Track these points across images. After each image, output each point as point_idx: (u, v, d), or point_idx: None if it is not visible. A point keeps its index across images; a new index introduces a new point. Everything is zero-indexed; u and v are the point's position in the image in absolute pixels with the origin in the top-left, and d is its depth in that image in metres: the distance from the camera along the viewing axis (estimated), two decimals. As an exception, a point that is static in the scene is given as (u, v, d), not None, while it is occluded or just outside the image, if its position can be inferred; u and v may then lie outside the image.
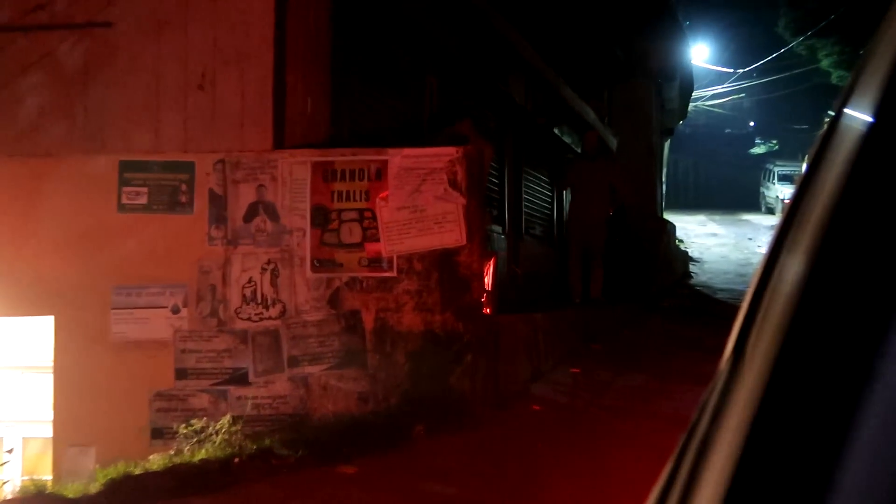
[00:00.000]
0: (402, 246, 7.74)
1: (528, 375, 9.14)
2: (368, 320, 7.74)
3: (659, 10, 19.56)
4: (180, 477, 6.45)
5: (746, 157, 44.72)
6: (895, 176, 0.85)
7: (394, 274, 7.76)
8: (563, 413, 8.54)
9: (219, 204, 7.83)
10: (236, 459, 6.68)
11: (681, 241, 24.40)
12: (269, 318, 7.75)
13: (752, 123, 46.91)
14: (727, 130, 46.37)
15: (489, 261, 8.27)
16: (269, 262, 7.79)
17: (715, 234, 29.33)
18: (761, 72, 35.17)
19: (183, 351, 7.72)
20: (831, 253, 0.86)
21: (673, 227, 21.87)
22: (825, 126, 1.13)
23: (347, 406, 7.67)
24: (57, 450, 7.68)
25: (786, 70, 34.61)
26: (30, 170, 7.93)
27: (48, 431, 7.84)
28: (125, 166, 7.86)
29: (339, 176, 7.79)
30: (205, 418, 7.28)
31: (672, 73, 21.44)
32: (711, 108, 40.43)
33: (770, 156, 42.67)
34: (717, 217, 34.47)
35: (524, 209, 14.26)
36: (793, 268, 0.93)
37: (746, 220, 33.64)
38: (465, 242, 7.73)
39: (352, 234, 7.78)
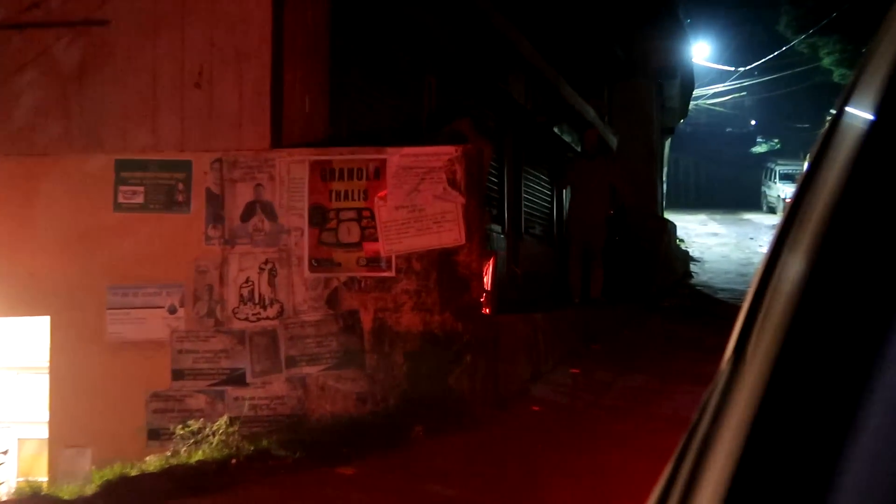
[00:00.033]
0: (400, 245, 7.71)
1: (527, 376, 9.12)
2: (367, 320, 7.71)
3: (659, 8, 19.54)
4: (177, 478, 6.44)
5: (748, 155, 44.68)
6: None
7: (392, 274, 7.72)
8: (562, 414, 8.52)
9: (216, 203, 7.80)
10: (233, 461, 6.67)
11: (681, 240, 24.37)
12: (267, 318, 7.71)
13: (753, 122, 46.88)
14: (728, 129, 46.37)
15: (488, 260, 8.26)
16: (266, 262, 7.76)
17: (716, 234, 29.31)
18: (762, 70, 35.16)
19: (180, 351, 7.69)
20: (832, 252, 0.86)
21: (674, 226, 21.86)
22: (827, 125, 1.13)
23: (346, 407, 7.64)
24: (53, 451, 7.66)
25: (787, 68, 34.59)
26: (25, 169, 7.90)
27: (44, 432, 7.82)
28: (122, 165, 7.83)
29: (337, 175, 7.76)
30: (202, 419, 7.27)
31: (673, 71, 21.41)
32: (712, 107, 40.40)
33: (771, 155, 42.61)
34: (718, 216, 34.44)
35: (524, 208, 14.24)
36: (794, 267, 0.93)
37: (748, 220, 33.61)
38: (464, 242, 7.70)
39: (350, 233, 7.75)
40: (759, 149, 45.56)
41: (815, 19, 29.08)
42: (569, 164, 14.46)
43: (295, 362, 7.69)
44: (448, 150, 7.80)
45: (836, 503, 0.74)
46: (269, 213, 7.79)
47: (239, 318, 7.72)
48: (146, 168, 7.84)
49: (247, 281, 7.75)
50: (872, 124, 0.91)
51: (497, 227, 12.36)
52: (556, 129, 15.09)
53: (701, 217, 33.68)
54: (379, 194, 7.74)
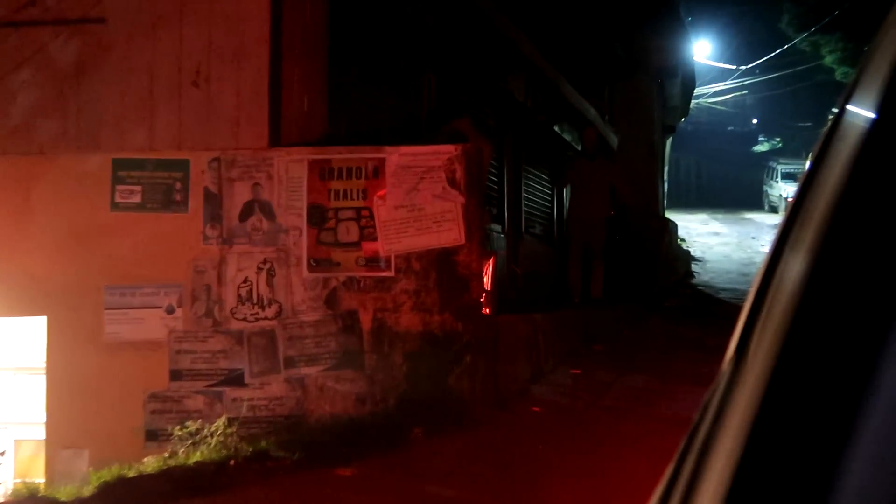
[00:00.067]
0: (399, 245, 7.68)
1: (527, 376, 9.10)
2: (366, 320, 7.68)
3: (660, 7, 19.50)
4: (175, 479, 6.43)
5: (749, 154, 44.67)
6: None
7: (391, 273, 7.69)
8: (563, 414, 8.49)
9: (214, 202, 7.76)
10: (232, 462, 6.66)
11: (683, 240, 24.36)
12: (265, 318, 7.68)
13: (754, 121, 46.87)
14: (730, 128, 46.36)
15: (488, 260, 8.24)
16: (265, 262, 7.73)
17: (717, 233, 29.31)
18: (764, 68, 35.14)
19: (178, 352, 7.66)
20: (834, 252, 0.86)
21: (675, 225, 21.85)
22: (828, 123, 1.13)
23: (345, 407, 7.61)
24: (50, 452, 7.63)
25: (789, 67, 34.57)
26: (22, 168, 7.88)
27: (41, 433, 7.79)
28: (119, 164, 7.80)
29: (335, 174, 7.73)
30: (200, 420, 7.26)
31: (674, 69, 21.39)
32: (714, 106, 40.39)
33: (773, 153, 42.60)
34: (719, 216, 34.44)
35: (524, 208, 14.21)
36: (795, 267, 0.93)
37: (749, 219, 33.61)
38: (463, 241, 7.67)
39: (349, 233, 7.72)
40: (761, 148, 45.54)
41: (817, 17, 29.07)
42: (569, 164, 14.44)
43: (293, 363, 7.66)
44: (447, 149, 7.78)
45: None
46: (268, 212, 7.76)
47: (237, 319, 7.69)
48: (143, 167, 7.81)
49: (245, 281, 7.72)
50: (874, 123, 0.91)
51: (497, 227, 12.33)
52: (556, 128, 15.06)
53: (702, 216, 33.68)
54: (378, 194, 7.71)
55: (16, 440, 8.30)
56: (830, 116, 1.18)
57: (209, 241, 7.75)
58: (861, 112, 0.97)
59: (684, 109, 25.80)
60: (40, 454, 7.80)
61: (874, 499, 0.74)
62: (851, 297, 0.83)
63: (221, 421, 7.16)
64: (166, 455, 6.92)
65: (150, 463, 6.72)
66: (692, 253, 23.76)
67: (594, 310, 12.63)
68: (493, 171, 12.20)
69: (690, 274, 21.00)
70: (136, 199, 7.79)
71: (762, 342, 0.93)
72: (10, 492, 6.56)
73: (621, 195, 13.64)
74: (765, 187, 39.26)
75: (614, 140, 17.59)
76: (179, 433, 7.12)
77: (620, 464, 6.52)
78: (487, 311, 7.95)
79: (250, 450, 6.81)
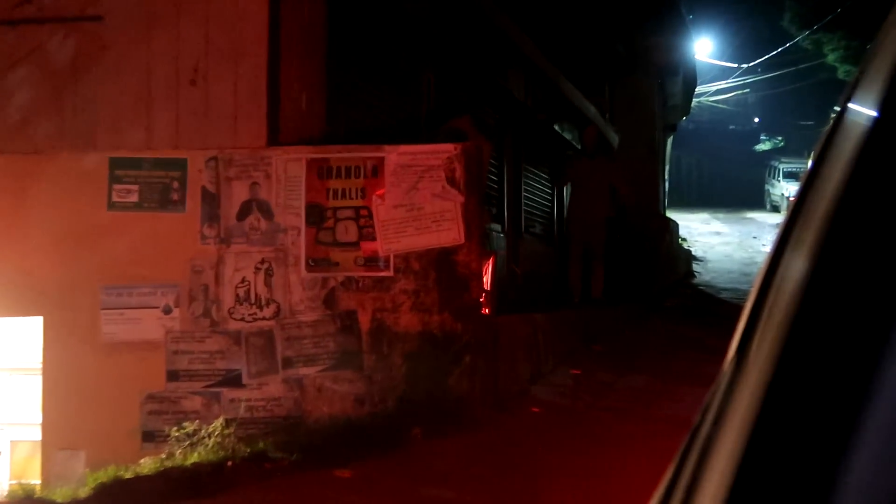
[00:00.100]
0: (398, 245, 7.65)
1: (527, 377, 9.09)
2: (364, 321, 7.65)
3: (662, 4, 19.49)
4: (172, 481, 6.43)
5: (751, 153, 44.65)
6: None
7: (390, 273, 7.66)
8: (563, 415, 8.47)
9: (211, 202, 7.74)
10: (229, 463, 6.65)
11: (684, 239, 24.35)
12: (263, 318, 7.66)
13: (756, 119, 46.84)
14: (731, 127, 46.33)
15: (488, 260, 8.22)
16: (262, 262, 7.70)
17: (719, 233, 29.30)
18: (766, 67, 35.11)
19: (175, 352, 7.64)
20: (836, 251, 0.87)
21: (676, 225, 21.84)
22: (831, 122, 1.12)
23: (343, 408, 7.58)
24: (46, 453, 7.62)
25: (791, 65, 34.53)
26: (18, 167, 7.86)
27: (37, 434, 7.79)
28: (115, 163, 7.78)
29: (334, 173, 7.70)
30: (197, 421, 7.25)
31: (675, 68, 21.38)
32: (715, 104, 40.34)
33: (775, 152, 42.59)
34: (720, 215, 34.43)
35: (524, 207, 14.19)
36: (797, 266, 0.93)
37: (751, 218, 33.61)
38: (463, 241, 7.64)
39: (347, 232, 7.69)
40: (763, 146, 45.52)
41: (820, 15, 29.03)
42: (569, 163, 14.43)
43: (292, 363, 7.63)
44: (447, 148, 7.75)
45: None
46: (266, 211, 7.73)
47: (235, 319, 7.66)
48: (140, 166, 7.78)
49: (243, 281, 7.68)
50: (876, 121, 0.91)
51: (497, 226, 12.31)
52: (556, 127, 15.03)
53: (703, 216, 33.67)
54: (377, 193, 7.68)
55: (11, 441, 8.30)
56: (832, 115, 1.18)
57: (207, 241, 7.72)
58: (863, 111, 0.96)
59: (685, 108, 25.77)
60: (36, 455, 7.79)
61: (877, 499, 0.74)
62: (853, 296, 0.83)
63: (219, 422, 7.15)
64: (163, 456, 6.92)
65: (147, 464, 6.71)
66: (693, 252, 23.75)
67: (594, 310, 12.61)
68: (493, 170, 12.17)
69: (691, 274, 21.00)
70: (134, 198, 7.76)
71: (763, 342, 0.93)
72: (5, 493, 6.54)
73: (622, 194, 13.61)
74: (766, 186, 39.24)
75: (615, 139, 17.55)
76: (176, 434, 7.11)
77: (621, 465, 6.51)
78: (487, 311, 7.93)
79: (248, 451, 6.81)
